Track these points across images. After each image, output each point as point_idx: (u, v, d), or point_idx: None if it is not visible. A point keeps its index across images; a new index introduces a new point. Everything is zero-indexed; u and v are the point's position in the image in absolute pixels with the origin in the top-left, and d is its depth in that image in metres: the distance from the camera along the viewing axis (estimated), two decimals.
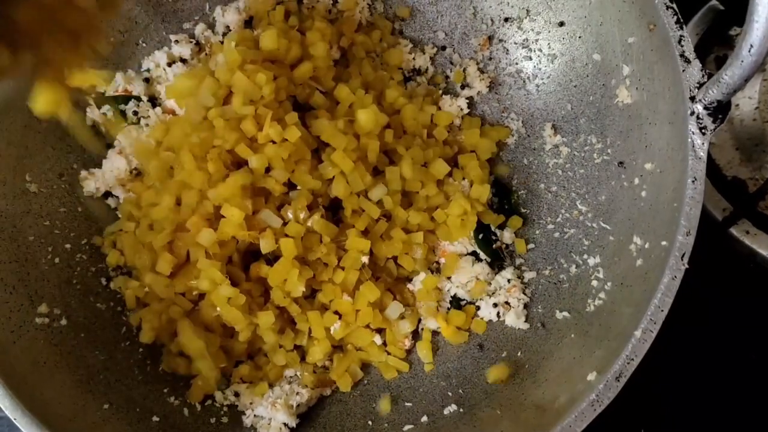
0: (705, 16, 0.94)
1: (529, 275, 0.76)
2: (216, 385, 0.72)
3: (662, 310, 0.59)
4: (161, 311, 0.72)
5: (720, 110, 0.62)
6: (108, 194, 0.79)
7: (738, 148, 0.87)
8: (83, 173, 0.77)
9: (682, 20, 0.65)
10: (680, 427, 0.79)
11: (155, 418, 0.68)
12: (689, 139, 0.62)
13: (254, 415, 0.71)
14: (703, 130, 0.63)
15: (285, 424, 0.71)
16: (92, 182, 0.78)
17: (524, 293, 0.75)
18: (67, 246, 0.74)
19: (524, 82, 0.82)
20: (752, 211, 0.83)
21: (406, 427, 0.69)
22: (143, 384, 0.70)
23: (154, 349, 0.73)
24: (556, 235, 0.77)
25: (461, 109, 0.83)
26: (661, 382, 0.79)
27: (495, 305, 0.74)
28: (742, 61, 0.58)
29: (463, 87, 0.85)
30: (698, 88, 0.63)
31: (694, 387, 0.80)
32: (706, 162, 0.84)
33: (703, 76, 0.63)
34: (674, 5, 0.65)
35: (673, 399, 0.79)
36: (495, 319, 0.75)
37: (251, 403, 0.71)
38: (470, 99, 0.84)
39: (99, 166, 0.78)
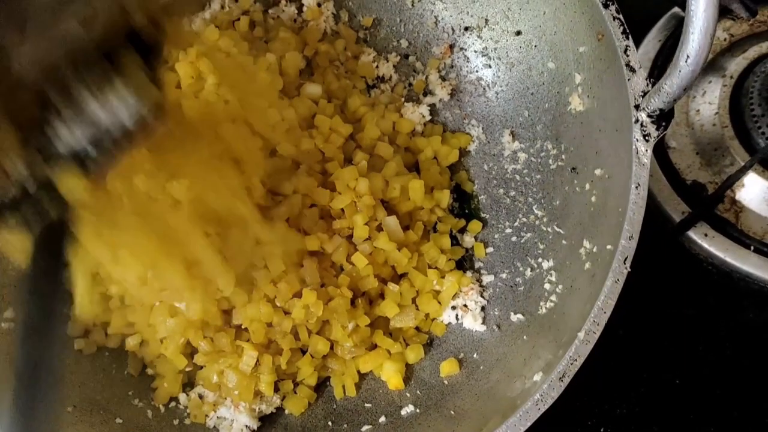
0: (667, 23, 0.96)
1: (487, 278, 0.78)
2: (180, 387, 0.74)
3: (605, 312, 0.60)
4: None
5: (663, 118, 0.64)
6: None
7: (698, 152, 0.88)
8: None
9: (628, 30, 0.67)
10: (640, 426, 0.80)
11: (118, 420, 0.70)
12: (633, 146, 0.64)
13: (217, 417, 0.72)
14: (646, 137, 0.64)
15: (246, 426, 0.72)
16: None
17: (482, 296, 0.77)
18: None
19: (484, 89, 0.84)
20: (710, 213, 0.85)
21: (365, 428, 0.71)
22: (108, 387, 0.72)
23: (120, 353, 0.75)
24: (514, 239, 0.78)
25: (423, 117, 0.84)
26: (621, 384, 0.81)
27: (453, 308, 0.76)
28: (680, 71, 0.59)
29: (425, 94, 0.87)
30: (642, 97, 0.65)
31: (655, 386, 0.81)
32: (668, 166, 0.88)
33: (647, 84, 0.65)
34: (621, 16, 0.67)
35: (635, 399, 0.81)
36: (454, 321, 0.76)
37: (214, 405, 0.73)
38: (432, 106, 0.86)
39: None
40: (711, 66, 0.91)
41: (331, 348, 0.74)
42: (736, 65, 0.90)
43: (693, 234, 0.84)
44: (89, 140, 0.45)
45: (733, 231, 0.84)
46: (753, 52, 0.90)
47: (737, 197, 0.85)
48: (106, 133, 0.45)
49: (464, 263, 0.80)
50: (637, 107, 0.65)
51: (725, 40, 0.94)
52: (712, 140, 0.87)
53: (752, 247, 0.83)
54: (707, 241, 0.83)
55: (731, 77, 0.89)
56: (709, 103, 0.89)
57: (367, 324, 0.73)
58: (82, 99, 0.44)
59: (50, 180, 0.46)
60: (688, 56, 0.58)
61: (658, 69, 0.93)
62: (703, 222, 0.84)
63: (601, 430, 0.79)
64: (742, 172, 0.83)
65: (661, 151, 0.88)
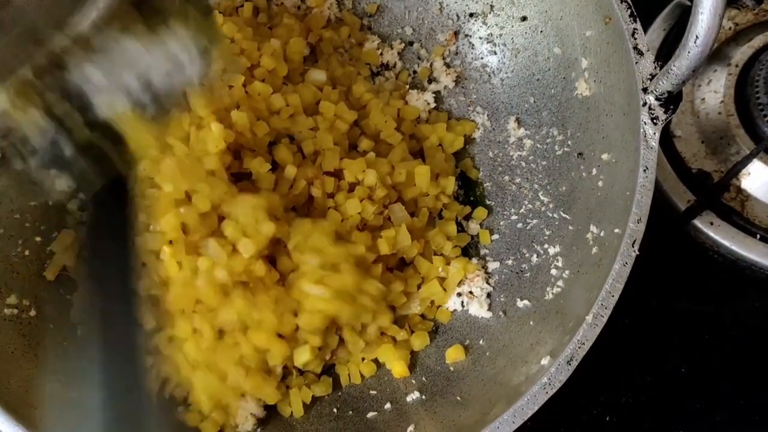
0: (672, 11, 0.95)
1: (492, 265, 0.78)
2: None
3: (613, 296, 0.60)
4: None
5: (671, 101, 0.64)
6: None
7: (703, 141, 0.88)
8: (53, 171, 0.78)
9: (635, 13, 0.67)
10: (645, 414, 0.80)
11: None
12: (641, 129, 0.64)
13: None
14: (654, 120, 0.64)
15: (252, 414, 0.72)
16: (63, 180, 0.79)
17: (488, 283, 0.76)
18: (38, 239, 0.75)
19: (489, 76, 0.84)
20: (716, 202, 0.85)
21: (370, 414, 0.71)
22: None
23: None
24: (519, 225, 0.78)
25: (428, 104, 0.84)
26: (626, 372, 0.81)
27: (459, 295, 0.76)
28: (689, 52, 0.59)
29: (430, 81, 0.86)
30: (650, 80, 0.65)
31: (660, 375, 0.81)
32: (673, 155, 0.87)
33: (655, 67, 0.65)
34: None
35: (641, 388, 0.81)
36: (459, 308, 0.76)
37: None
38: (437, 93, 0.86)
39: None
40: (716, 55, 0.91)
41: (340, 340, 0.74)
42: (741, 54, 0.90)
43: (699, 222, 0.83)
44: (141, 86, 0.45)
45: (739, 219, 0.84)
46: (758, 41, 0.90)
47: (743, 186, 0.85)
48: (160, 76, 0.45)
49: (470, 250, 0.80)
50: (645, 90, 0.65)
51: (730, 29, 0.94)
52: (718, 129, 0.87)
53: (758, 236, 0.82)
54: (713, 230, 0.83)
55: (736, 66, 0.89)
56: (715, 91, 0.89)
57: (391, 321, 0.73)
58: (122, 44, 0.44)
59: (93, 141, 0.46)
60: (696, 37, 0.58)
61: (663, 58, 0.92)
62: (709, 210, 0.84)
63: (607, 418, 0.79)
64: (748, 160, 0.83)
65: (666, 139, 0.88)
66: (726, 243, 0.83)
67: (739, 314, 0.83)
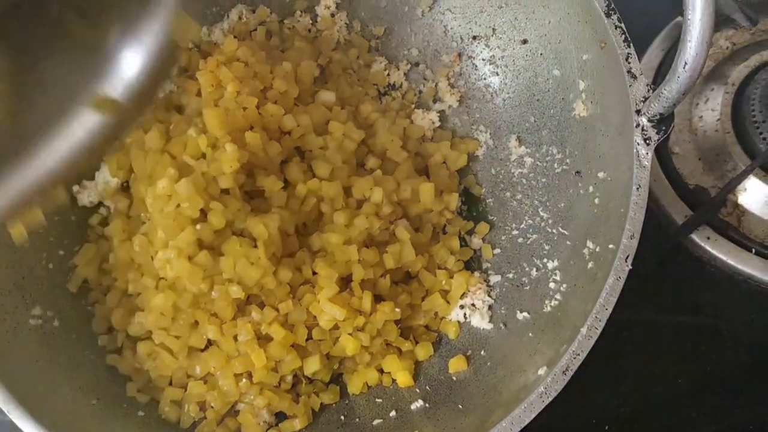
0: (671, 32, 0.98)
1: (494, 278, 0.80)
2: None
3: (606, 309, 0.63)
4: None
5: (663, 122, 0.67)
6: (101, 203, 0.84)
7: (701, 157, 0.91)
8: (76, 187, 0.82)
9: (629, 39, 0.70)
10: (643, 424, 0.82)
11: (140, 413, 0.73)
12: (635, 149, 0.67)
13: (234, 411, 0.75)
14: (647, 141, 0.67)
15: (264, 421, 0.75)
16: (85, 195, 0.82)
17: (489, 295, 0.79)
18: (61, 252, 0.79)
19: (492, 96, 0.87)
20: (713, 217, 0.87)
21: (376, 422, 0.74)
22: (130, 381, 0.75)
23: None
24: (520, 240, 0.81)
25: (433, 123, 0.87)
26: (625, 383, 0.83)
27: (462, 307, 0.79)
28: (679, 77, 0.62)
29: (435, 101, 0.90)
30: (643, 102, 0.68)
31: (658, 385, 0.83)
32: (671, 171, 0.90)
33: (648, 90, 0.68)
34: (622, 25, 0.70)
35: (639, 398, 0.83)
36: (462, 320, 0.79)
37: None
38: (442, 112, 0.89)
39: (92, 178, 0.83)
40: (713, 74, 0.94)
41: None
42: (737, 73, 0.92)
43: (696, 237, 0.86)
44: None
45: (735, 234, 0.86)
46: (754, 60, 0.92)
47: (739, 201, 0.87)
48: None
49: (472, 264, 0.83)
50: (638, 112, 0.67)
51: (727, 48, 0.96)
52: (715, 146, 0.90)
53: (753, 250, 0.85)
54: (710, 244, 0.85)
55: (733, 84, 0.91)
56: (712, 109, 0.91)
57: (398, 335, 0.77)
58: None
59: None
60: (685, 63, 0.61)
61: (661, 77, 0.94)
62: (706, 225, 0.86)
63: (606, 428, 0.81)
64: (744, 176, 0.85)
65: (664, 156, 0.91)
66: (722, 257, 0.85)
67: (735, 326, 0.85)
